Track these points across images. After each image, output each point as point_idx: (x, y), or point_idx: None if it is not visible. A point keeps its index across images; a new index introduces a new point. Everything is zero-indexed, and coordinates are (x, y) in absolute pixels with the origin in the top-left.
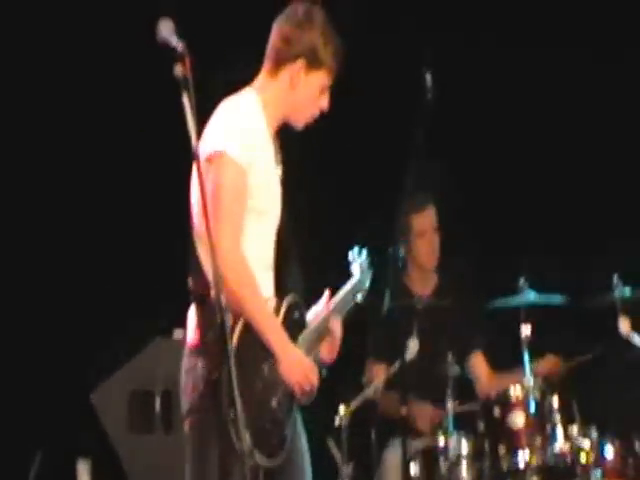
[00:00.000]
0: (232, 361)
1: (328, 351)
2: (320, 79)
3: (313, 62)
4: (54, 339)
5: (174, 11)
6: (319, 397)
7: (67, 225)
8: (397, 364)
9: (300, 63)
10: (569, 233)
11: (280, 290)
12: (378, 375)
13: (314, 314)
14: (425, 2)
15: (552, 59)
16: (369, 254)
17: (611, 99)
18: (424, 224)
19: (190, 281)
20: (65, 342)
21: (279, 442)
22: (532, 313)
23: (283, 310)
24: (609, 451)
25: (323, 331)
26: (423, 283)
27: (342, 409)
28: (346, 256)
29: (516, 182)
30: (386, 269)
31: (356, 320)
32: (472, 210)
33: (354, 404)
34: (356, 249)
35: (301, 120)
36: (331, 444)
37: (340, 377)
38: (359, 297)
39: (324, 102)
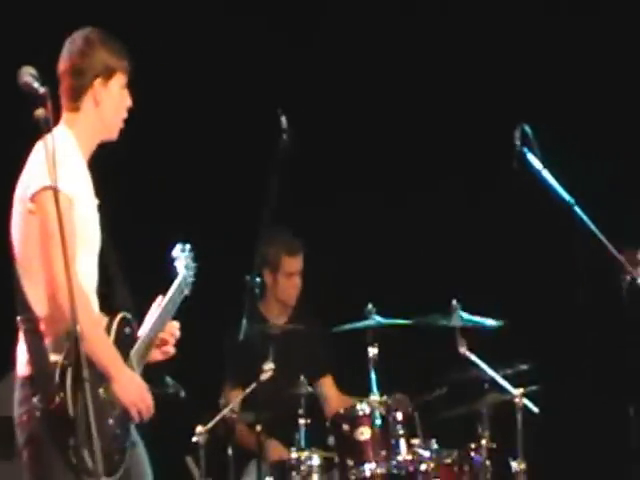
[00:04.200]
0: (66, 389)
1: (162, 352)
2: (118, 82)
3: (107, 75)
4: None
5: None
6: (178, 418)
7: None
8: (253, 386)
9: (98, 82)
10: (411, 264)
11: (111, 309)
12: (234, 397)
13: (148, 321)
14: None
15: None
16: (192, 248)
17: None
18: (294, 267)
19: (19, 316)
20: None
21: (120, 457)
22: (378, 336)
23: (114, 328)
24: (447, 460)
25: (155, 337)
26: (279, 313)
27: (199, 429)
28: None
29: (363, 215)
30: (243, 297)
31: (214, 345)
32: (325, 242)
33: (211, 424)
34: (179, 245)
35: (115, 131)
36: (189, 462)
37: (198, 399)
38: (187, 291)
39: (127, 101)
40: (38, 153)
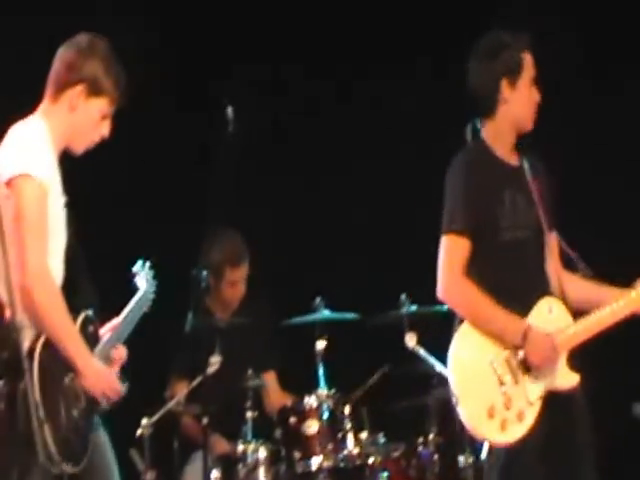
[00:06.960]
0: (32, 376)
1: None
2: (100, 106)
3: (93, 89)
4: None
5: None
6: (122, 410)
7: None
8: (199, 379)
9: (80, 88)
10: (361, 256)
11: (74, 306)
12: (180, 389)
13: (105, 331)
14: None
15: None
16: (152, 267)
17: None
18: (237, 276)
19: None
20: None
21: (82, 449)
22: (327, 330)
23: (78, 325)
24: (394, 454)
25: (110, 350)
26: (224, 308)
27: (145, 421)
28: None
29: (311, 209)
30: (189, 289)
31: (160, 337)
32: (274, 234)
33: (157, 416)
34: (139, 262)
35: (80, 145)
36: (134, 454)
37: (143, 391)
38: (146, 308)
39: (105, 129)
40: (12, 139)
